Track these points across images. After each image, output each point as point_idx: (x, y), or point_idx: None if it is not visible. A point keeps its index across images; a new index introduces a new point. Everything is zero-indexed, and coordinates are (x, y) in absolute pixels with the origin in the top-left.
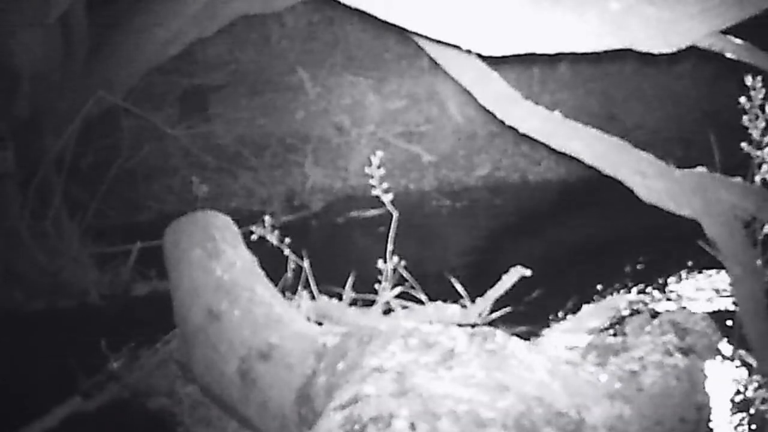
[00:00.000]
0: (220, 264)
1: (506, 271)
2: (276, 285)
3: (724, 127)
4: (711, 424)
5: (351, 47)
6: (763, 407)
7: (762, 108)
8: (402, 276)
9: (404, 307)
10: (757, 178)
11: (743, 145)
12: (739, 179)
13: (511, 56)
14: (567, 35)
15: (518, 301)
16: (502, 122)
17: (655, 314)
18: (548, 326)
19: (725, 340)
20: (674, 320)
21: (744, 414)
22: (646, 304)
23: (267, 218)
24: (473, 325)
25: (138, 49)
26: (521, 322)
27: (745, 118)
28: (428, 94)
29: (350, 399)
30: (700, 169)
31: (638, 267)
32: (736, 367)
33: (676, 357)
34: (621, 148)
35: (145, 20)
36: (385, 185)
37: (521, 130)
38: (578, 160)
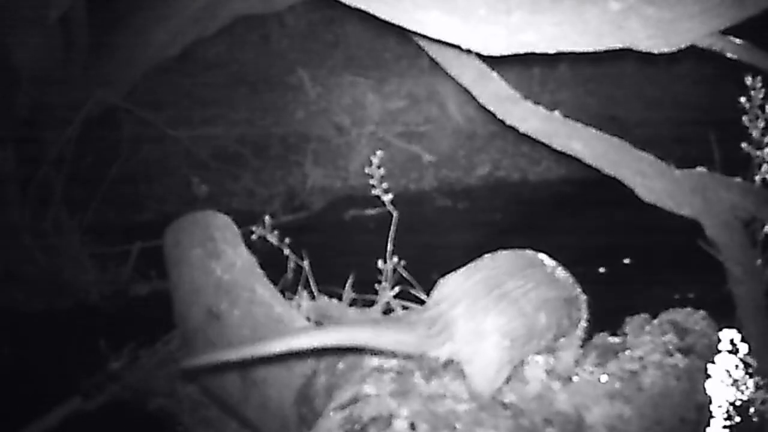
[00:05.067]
0: (220, 264)
1: None
2: (276, 285)
3: (724, 127)
4: (711, 424)
5: (351, 47)
6: (763, 407)
7: (762, 108)
8: (402, 276)
9: (404, 307)
10: (757, 178)
11: (743, 145)
12: (739, 179)
13: (511, 56)
14: (567, 35)
15: None
16: (502, 122)
17: (655, 314)
18: None
19: (725, 340)
20: (674, 320)
21: (744, 414)
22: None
23: (267, 218)
24: None
25: (138, 49)
26: None
27: (745, 118)
28: (428, 94)
29: (350, 399)
30: (700, 169)
31: (638, 267)
32: (736, 367)
33: (676, 357)
34: (621, 148)
35: (145, 20)
36: (385, 185)
37: (521, 130)
38: (578, 160)
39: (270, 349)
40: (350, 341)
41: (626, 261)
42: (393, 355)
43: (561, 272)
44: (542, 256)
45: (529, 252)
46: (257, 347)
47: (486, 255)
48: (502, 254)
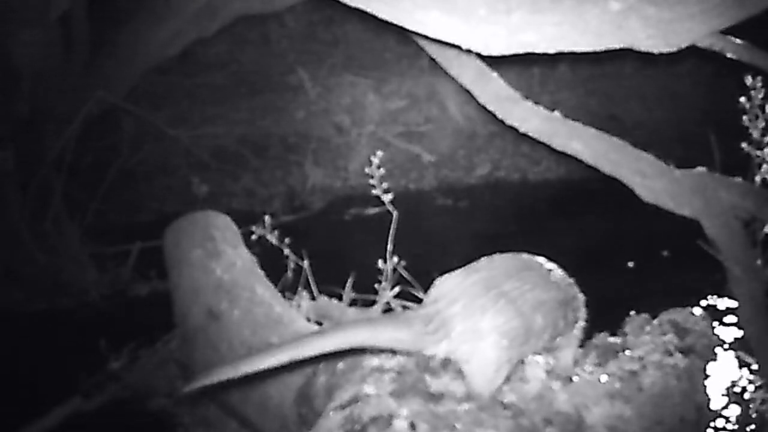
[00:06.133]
0: (220, 264)
1: None
2: (276, 285)
3: (724, 127)
4: (711, 424)
5: (351, 47)
6: (763, 407)
7: (762, 108)
8: (402, 276)
9: (404, 307)
10: (757, 178)
11: (743, 145)
12: (739, 179)
13: (511, 56)
14: (567, 35)
15: None
16: (502, 122)
17: (655, 314)
18: None
19: (725, 340)
20: (674, 320)
21: (744, 414)
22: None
23: (267, 218)
24: None
25: (138, 49)
26: None
27: (745, 118)
28: (428, 94)
29: (350, 399)
30: (700, 169)
31: (638, 267)
32: (736, 367)
33: (676, 357)
34: (621, 148)
35: (145, 20)
36: (385, 185)
37: (521, 130)
38: (578, 160)
39: (269, 362)
40: (349, 344)
41: (630, 264)
42: (392, 353)
43: (557, 274)
44: (539, 258)
45: (525, 255)
46: (256, 361)
47: (483, 258)
48: (499, 257)
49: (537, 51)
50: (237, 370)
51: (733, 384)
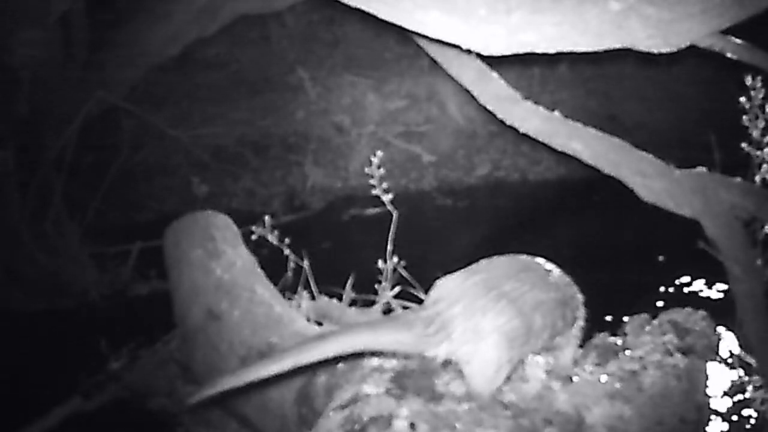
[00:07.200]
0: (220, 264)
1: None
2: (276, 285)
3: (724, 127)
4: (711, 424)
5: (351, 47)
6: (763, 407)
7: (762, 108)
8: (402, 276)
9: (404, 307)
10: (757, 178)
11: (743, 145)
12: (739, 179)
13: (511, 56)
14: (567, 35)
15: None
16: (502, 122)
17: (655, 314)
18: None
19: (725, 340)
20: (674, 320)
21: (744, 414)
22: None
23: (267, 218)
24: None
25: (138, 49)
26: None
27: (745, 118)
28: (428, 94)
29: (350, 399)
30: (700, 169)
31: (638, 267)
32: (736, 367)
33: (676, 357)
34: (621, 148)
35: (145, 20)
36: (385, 185)
37: (521, 130)
38: (578, 160)
39: (272, 369)
40: (351, 348)
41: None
42: (392, 354)
43: (556, 275)
44: (538, 259)
45: (524, 256)
46: (259, 368)
47: (482, 260)
48: (498, 258)
49: (537, 51)
50: (241, 379)
51: (733, 384)
